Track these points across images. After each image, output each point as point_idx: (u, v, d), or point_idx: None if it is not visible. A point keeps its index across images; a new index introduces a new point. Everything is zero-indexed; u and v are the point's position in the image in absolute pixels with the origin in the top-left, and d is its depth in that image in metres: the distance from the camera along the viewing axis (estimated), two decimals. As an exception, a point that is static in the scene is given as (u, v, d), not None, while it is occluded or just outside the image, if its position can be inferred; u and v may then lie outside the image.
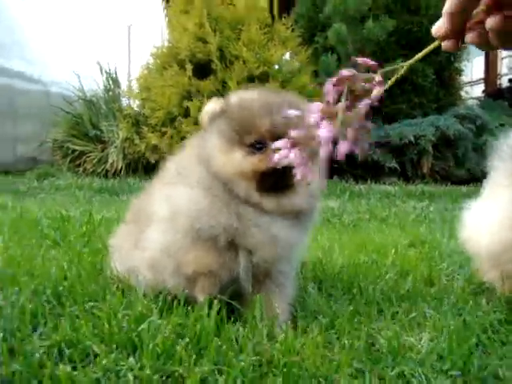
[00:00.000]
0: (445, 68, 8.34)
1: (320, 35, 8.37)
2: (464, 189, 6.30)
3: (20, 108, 9.18)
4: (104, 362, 1.02)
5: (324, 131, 0.91)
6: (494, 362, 1.20)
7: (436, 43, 1.07)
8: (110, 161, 7.14)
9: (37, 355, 1.04)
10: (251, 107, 1.35)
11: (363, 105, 0.91)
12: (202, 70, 7.02)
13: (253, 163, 1.31)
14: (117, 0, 14.98)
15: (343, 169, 6.89)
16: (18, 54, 9.65)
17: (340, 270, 1.89)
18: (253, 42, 7.07)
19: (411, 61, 1.04)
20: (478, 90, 13.95)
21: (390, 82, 0.98)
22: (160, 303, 1.29)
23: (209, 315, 1.21)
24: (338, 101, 0.93)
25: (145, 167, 7.27)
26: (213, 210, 1.32)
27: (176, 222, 1.38)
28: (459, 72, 8.81)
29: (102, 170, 7.17)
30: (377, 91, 0.91)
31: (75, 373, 0.97)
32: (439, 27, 1.03)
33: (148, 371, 1.00)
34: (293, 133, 0.95)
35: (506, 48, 1.04)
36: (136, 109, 7.44)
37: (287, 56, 7.61)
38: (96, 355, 1.07)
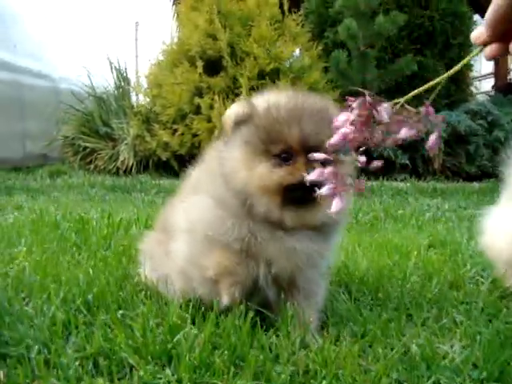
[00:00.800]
0: (455, 64, 8.23)
1: (330, 31, 8.32)
2: (476, 185, 6.26)
3: (28, 104, 9.18)
4: (141, 374, 1.01)
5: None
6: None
7: (477, 50, 1.05)
8: (121, 158, 7.14)
9: (73, 368, 1.03)
10: (279, 114, 1.27)
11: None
12: (213, 66, 7.00)
13: (279, 176, 1.24)
14: (124, -4, 15.00)
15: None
16: (27, 50, 9.65)
17: (365, 274, 1.87)
18: (263, 38, 7.03)
19: (447, 74, 1.03)
20: (486, 85, 13.84)
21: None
22: (191, 311, 1.28)
23: (242, 325, 1.19)
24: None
25: (156, 164, 7.27)
26: (226, 221, 1.30)
27: (194, 231, 1.37)
28: (470, 67, 8.74)
29: (113, 167, 7.17)
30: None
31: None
32: (479, 34, 1.01)
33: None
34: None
35: None
36: (146, 106, 7.41)
37: (297, 52, 7.57)
38: (132, 367, 1.06)
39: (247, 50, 6.96)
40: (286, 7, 7.45)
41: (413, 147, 6.97)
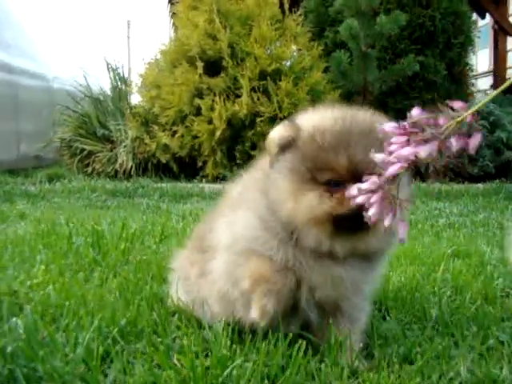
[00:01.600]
0: (455, 63, 8.24)
1: (330, 30, 8.26)
2: (480, 187, 6.23)
3: (22, 105, 9.04)
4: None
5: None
6: None
7: None
8: (120, 161, 7.03)
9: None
10: (325, 139, 1.18)
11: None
12: (213, 67, 6.91)
13: (329, 206, 1.16)
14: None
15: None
16: (21, 49, 9.52)
17: (397, 288, 1.81)
18: (264, 38, 6.95)
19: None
20: (482, 83, 13.87)
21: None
22: (236, 339, 1.20)
23: (293, 354, 1.12)
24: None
25: (155, 167, 7.17)
26: (270, 241, 1.23)
27: (236, 245, 1.29)
28: (470, 67, 8.72)
29: (112, 170, 7.06)
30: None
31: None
32: None
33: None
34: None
35: None
36: (145, 107, 7.31)
37: (294, 53, 7.50)
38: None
39: (248, 50, 6.88)
40: (286, 6, 7.38)
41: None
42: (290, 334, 1.19)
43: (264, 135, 6.10)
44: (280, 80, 6.79)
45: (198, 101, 6.75)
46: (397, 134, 0.93)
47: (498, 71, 10.56)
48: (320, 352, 1.25)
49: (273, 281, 1.20)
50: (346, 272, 1.23)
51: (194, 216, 3.36)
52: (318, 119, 1.25)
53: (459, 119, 0.92)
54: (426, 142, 0.93)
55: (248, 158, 6.87)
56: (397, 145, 0.91)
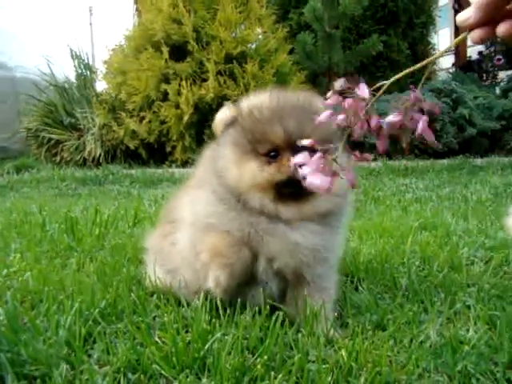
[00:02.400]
0: (418, 42, 8.37)
1: (294, 12, 8.28)
2: (445, 162, 6.38)
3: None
4: (179, 385, 0.97)
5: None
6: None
7: (464, 35, 1.01)
8: (88, 149, 6.96)
9: None
10: (262, 114, 1.30)
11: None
12: (178, 51, 6.86)
13: (269, 173, 1.27)
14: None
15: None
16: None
17: (368, 260, 1.87)
18: (229, 21, 6.92)
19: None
20: (444, 62, 14.09)
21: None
22: (209, 312, 1.24)
23: (270, 326, 1.17)
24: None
25: (124, 153, 7.12)
26: (227, 214, 1.31)
27: (197, 224, 1.37)
28: (432, 46, 8.86)
29: (80, 158, 6.99)
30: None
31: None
32: (466, 17, 0.97)
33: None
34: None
35: None
36: (112, 94, 7.21)
37: (259, 36, 7.48)
38: (165, 378, 1.02)
39: (213, 33, 6.84)
40: (250, -11, 7.35)
41: (380, 127, 7.04)
42: (267, 307, 1.23)
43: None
44: (246, 63, 6.79)
45: (164, 86, 6.70)
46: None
47: (458, 50, 10.75)
48: (296, 323, 1.30)
49: (227, 255, 1.28)
50: (302, 238, 1.29)
51: (165, 200, 3.37)
52: (255, 99, 1.36)
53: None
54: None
55: (217, 142, 6.87)
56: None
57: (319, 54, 7.40)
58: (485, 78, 9.52)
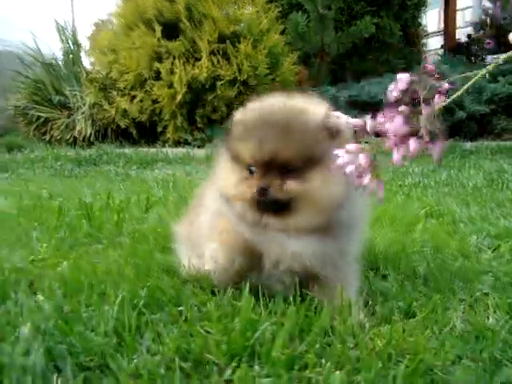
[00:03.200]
0: (410, 24, 8.39)
1: (286, -9, 8.21)
2: (435, 146, 6.45)
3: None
4: (238, 374, 1.02)
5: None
6: None
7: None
8: (78, 127, 6.89)
9: (160, 372, 1.02)
10: (245, 128, 1.29)
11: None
12: (171, 30, 6.78)
13: (242, 189, 1.28)
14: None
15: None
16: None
17: (384, 249, 1.92)
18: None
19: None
20: (433, 43, 14.13)
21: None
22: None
23: (310, 315, 1.22)
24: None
25: (115, 132, 7.06)
26: (232, 218, 1.34)
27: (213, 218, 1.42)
28: (423, 27, 8.89)
29: (70, 137, 6.92)
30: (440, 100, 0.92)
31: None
32: None
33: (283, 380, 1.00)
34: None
35: None
36: (102, 72, 7.11)
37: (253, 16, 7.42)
38: (218, 366, 1.06)
39: (205, 12, 6.77)
40: (242, -33, 7.26)
41: (372, 109, 7.10)
42: (297, 296, 1.28)
43: (224, 98, 6.11)
44: (239, 43, 6.75)
45: (157, 65, 6.64)
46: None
47: (447, 32, 10.80)
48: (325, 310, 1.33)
49: (229, 234, 1.33)
50: (302, 246, 1.29)
51: (171, 183, 3.37)
52: (252, 107, 1.33)
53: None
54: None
55: (209, 122, 6.86)
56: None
57: (311, 34, 7.38)
58: (473, 60, 9.60)
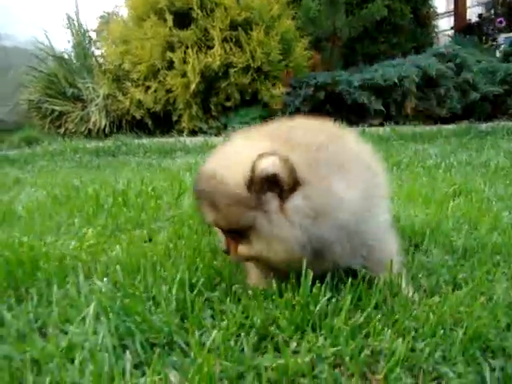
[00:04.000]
0: (420, 7, 8.33)
1: (295, -24, 8.15)
2: (451, 128, 6.45)
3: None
4: (304, 345, 1.05)
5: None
6: None
7: None
8: (93, 119, 6.92)
9: (229, 345, 1.06)
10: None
11: None
12: (182, 19, 6.78)
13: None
14: None
15: (329, 112, 6.89)
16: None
17: (421, 226, 1.95)
18: (232, -13, 6.83)
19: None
20: (443, 24, 14.00)
21: None
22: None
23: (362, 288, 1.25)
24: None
25: (129, 123, 7.10)
26: None
27: None
28: (434, 9, 8.82)
29: (85, 129, 6.97)
30: None
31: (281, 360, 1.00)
32: None
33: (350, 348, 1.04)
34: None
35: None
36: (115, 63, 7.13)
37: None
38: (281, 338, 1.10)
39: (217, 0, 6.75)
40: (252, -47, 7.21)
41: (386, 92, 7.09)
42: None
43: (238, 85, 6.11)
44: (251, 29, 6.74)
45: (169, 54, 6.65)
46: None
47: (458, 12, 10.70)
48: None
49: None
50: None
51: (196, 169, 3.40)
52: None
53: None
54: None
55: (223, 110, 6.88)
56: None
57: (323, 19, 7.35)
58: (484, 40, 9.52)
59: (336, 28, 7.35)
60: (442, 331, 1.11)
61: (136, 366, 1.04)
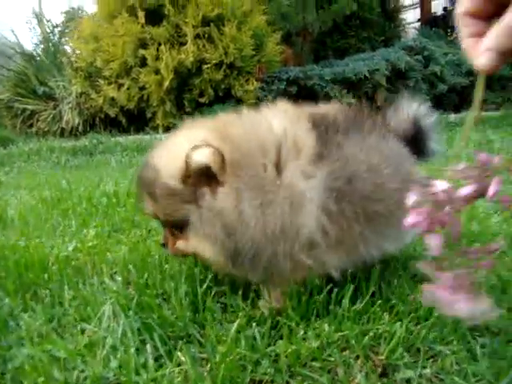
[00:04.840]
0: (388, 0, 8.50)
1: (266, -29, 8.21)
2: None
3: None
4: (310, 332, 1.14)
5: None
6: None
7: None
8: (65, 118, 6.86)
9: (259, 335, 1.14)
10: None
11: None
12: (154, 15, 6.76)
13: None
14: None
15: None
16: None
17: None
18: (203, -18, 6.84)
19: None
20: (409, 16, 14.25)
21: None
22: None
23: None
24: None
25: (103, 121, 7.06)
26: None
27: None
28: (401, 2, 9.01)
29: (58, 128, 6.90)
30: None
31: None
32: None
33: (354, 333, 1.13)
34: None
35: None
36: (86, 60, 7.06)
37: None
38: (288, 327, 1.19)
39: (188, -4, 6.76)
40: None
41: (357, 85, 7.24)
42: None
43: (211, 81, 6.12)
44: (223, 25, 6.77)
45: (142, 51, 6.64)
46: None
47: (423, 5, 10.93)
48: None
49: None
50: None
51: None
52: None
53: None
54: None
55: (197, 106, 6.91)
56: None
57: (293, 14, 7.43)
58: (450, 33, 9.77)
59: (307, 23, 7.46)
60: (435, 314, 1.22)
61: (156, 359, 1.11)
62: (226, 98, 7.02)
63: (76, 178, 3.20)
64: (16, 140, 6.07)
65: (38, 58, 7.82)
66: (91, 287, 1.36)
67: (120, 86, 6.79)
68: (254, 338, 1.15)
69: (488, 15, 0.78)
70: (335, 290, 1.27)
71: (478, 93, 0.78)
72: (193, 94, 6.89)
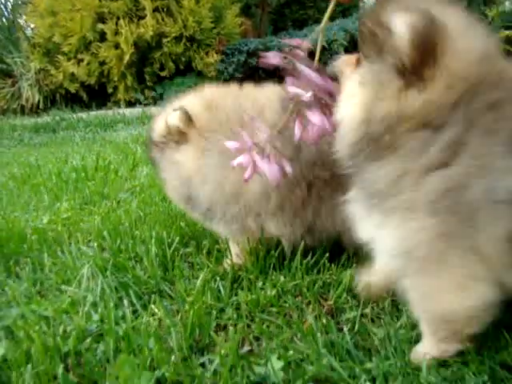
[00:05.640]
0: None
1: None
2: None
3: None
4: (268, 283, 1.31)
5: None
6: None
7: None
8: (25, 95, 6.78)
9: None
10: None
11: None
12: (111, -11, 6.69)
13: None
14: None
15: (262, 77, 7.07)
16: None
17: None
18: (159, -46, 6.79)
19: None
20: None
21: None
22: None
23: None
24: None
25: (63, 98, 7.01)
26: None
27: None
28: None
29: (18, 105, 6.82)
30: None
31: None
32: None
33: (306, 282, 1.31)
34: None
35: None
36: (44, 36, 6.94)
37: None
38: (249, 281, 1.35)
39: (144, -31, 6.70)
40: None
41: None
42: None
43: (171, 55, 6.14)
44: (184, -1, 6.77)
45: (101, 26, 6.59)
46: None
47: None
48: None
49: None
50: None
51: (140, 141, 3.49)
52: None
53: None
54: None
55: (158, 80, 6.94)
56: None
57: (252, -15, 7.46)
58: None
59: (266, -6, 7.50)
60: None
61: (133, 312, 1.26)
62: (186, 71, 7.06)
63: (42, 155, 3.27)
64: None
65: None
66: (69, 254, 1.49)
67: (80, 61, 6.74)
68: (219, 291, 1.31)
69: None
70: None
71: None
72: (153, 68, 6.90)
